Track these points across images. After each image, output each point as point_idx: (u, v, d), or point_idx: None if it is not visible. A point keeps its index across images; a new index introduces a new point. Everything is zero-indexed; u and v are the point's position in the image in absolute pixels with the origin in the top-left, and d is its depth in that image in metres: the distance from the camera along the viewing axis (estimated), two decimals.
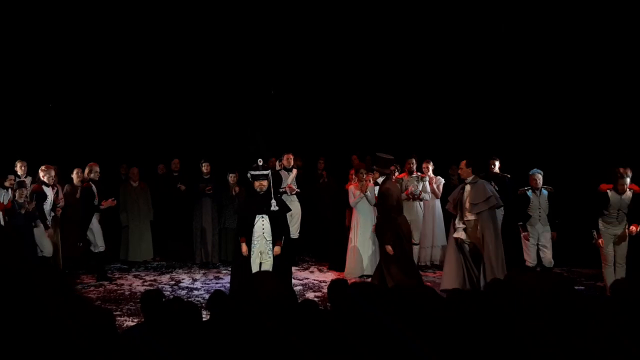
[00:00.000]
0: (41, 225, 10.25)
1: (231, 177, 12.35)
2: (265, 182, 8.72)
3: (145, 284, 10.76)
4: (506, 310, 4.07)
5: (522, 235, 9.89)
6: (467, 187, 9.29)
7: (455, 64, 14.37)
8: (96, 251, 10.99)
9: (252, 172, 8.71)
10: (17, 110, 13.96)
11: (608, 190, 9.40)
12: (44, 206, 10.39)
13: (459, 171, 9.57)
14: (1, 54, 13.40)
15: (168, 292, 10.04)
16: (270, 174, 8.85)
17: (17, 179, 10.53)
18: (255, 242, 8.66)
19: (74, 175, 11.29)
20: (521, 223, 9.89)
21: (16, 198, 9.97)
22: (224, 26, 14.71)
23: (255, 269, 8.63)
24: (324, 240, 12.47)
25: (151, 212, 12.54)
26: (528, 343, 3.75)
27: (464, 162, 9.38)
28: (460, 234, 9.27)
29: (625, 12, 12.39)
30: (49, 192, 10.52)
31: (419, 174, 11.58)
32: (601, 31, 12.62)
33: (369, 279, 10.16)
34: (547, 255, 9.80)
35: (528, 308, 4.01)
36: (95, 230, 10.92)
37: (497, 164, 11.73)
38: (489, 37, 13.84)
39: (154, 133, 15.00)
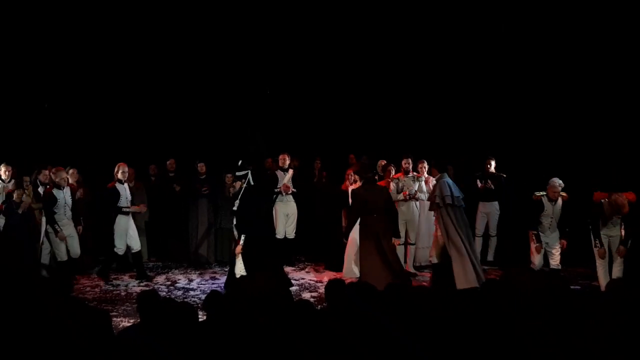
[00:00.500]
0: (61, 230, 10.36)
1: (228, 177, 12.34)
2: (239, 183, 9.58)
3: (142, 284, 10.75)
4: (503, 309, 4.08)
5: (534, 246, 9.90)
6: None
7: (454, 63, 14.40)
8: (116, 251, 10.95)
9: (237, 173, 9.07)
10: (10, 111, 13.94)
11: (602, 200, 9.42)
12: (55, 209, 10.38)
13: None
14: None
15: (164, 293, 10.03)
16: (247, 174, 9.20)
17: (2, 184, 10.60)
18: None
19: (41, 176, 11.16)
20: (535, 232, 9.89)
21: (14, 198, 9.99)
22: (223, 26, 14.69)
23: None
24: (320, 240, 12.46)
25: (147, 213, 12.50)
26: (525, 341, 3.76)
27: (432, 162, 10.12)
28: None
29: (625, 12, 12.42)
30: (60, 195, 10.46)
31: (414, 173, 11.58)
32: (601, 31, 12.65)
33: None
34: (555, 259, 9.86)
35: (525, 307, 4.02)
36: (119, 231, 10.85)
37: (493, 163, 11.83)
38: (489, 37, 13.84)
39: (152, 133, 14.98)
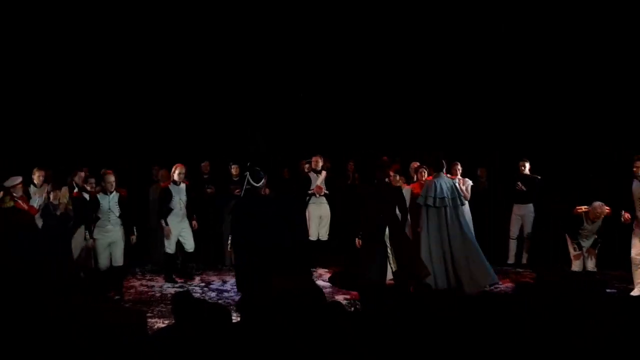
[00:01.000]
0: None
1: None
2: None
3: (176, 285, 10.82)
4: (536, 311, 4.06)
5: (573, 253, 9.85)
6: None
7: (486, 64, 14.32)
8: (166, 251, 11.10)
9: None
10: (46, 113, 14.13)
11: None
12: (99, 214, 10.03)
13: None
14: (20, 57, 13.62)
15: (198, 294, 10.09)
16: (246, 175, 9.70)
17: (35, 188, 10.59)
18: None
19: (76, 178, 11.02)
20: (576, 242, 9.83)
21: (51, 200, 10.09)
22: (224, 26, 14.74)
23: None
24: (353, 242, 12.43)
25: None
26: (557, 344, 3.73)
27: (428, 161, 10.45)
28: None
29: (625, 12, 12.34)
30: (105, 200, 10.04)
31: (448, 175, 11.54)
32: (601, 31, 12.58)
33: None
34: (592, 261, 9.80)
35: (558, 310, 3.99)
36: (176, 232, 10.99)
37: (527, 165, 11.75)
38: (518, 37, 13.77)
39: (183, 135, 15.06)
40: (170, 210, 10.90)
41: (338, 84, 15.41)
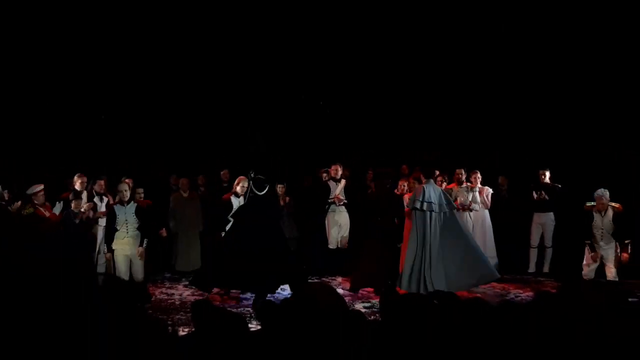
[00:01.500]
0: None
1: (279, 188, 12.37)
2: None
3: (196, 293, 10.80)
4: (558, 322, 4.02)
5: (589, 255, 9.88)
6: None
7: (509, 73, 14.30)
8: None
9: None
10: (69, 122, 14.25)
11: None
12: (116, 226, 9.57)
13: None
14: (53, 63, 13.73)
15: (218, 302, 10.09)
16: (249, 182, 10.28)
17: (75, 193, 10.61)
18: None
19: (96, 186, 11.16)
20: (588, 242, 9.86)
21: (72, 208, 10.16)
22: (225, 27, 14.79)
23: None
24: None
25: (201, 222, 12.57)
26: (577, 353, 3.70)
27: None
28: None
29: (625, 12, 12.31)
30: (121, 211, 9.61)
31: (468, 184, 11.51)
32: (602, 30, 12.55)
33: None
34: (612, 271, 9.82)
35: (582, 320, 3.95)
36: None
37: (548, 174, 11.73)
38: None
39: (200, 144, 15.12)
40: (229, 222, 10.54)
41: (338, 84, 15.41)
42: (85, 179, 10.96)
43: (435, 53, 14.60)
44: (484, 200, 11.59)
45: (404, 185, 11.26)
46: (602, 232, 9.77)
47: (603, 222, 9.75)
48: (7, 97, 13.68)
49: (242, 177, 10.74)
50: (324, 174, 12.41)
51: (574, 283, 5.02)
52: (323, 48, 14.85)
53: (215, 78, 15.20)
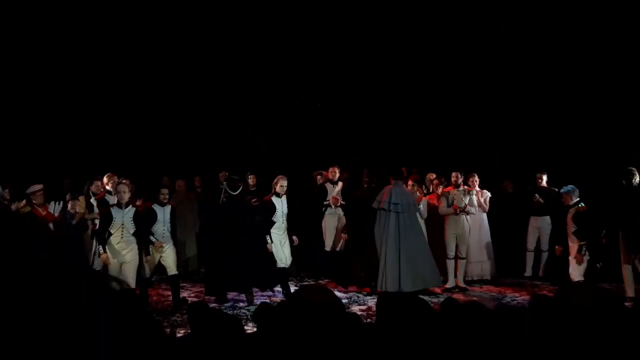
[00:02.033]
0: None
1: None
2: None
3: (192, 295, 10.80)
4: (553, 326, 4.02)
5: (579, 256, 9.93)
6: None
7: (509, 76, 14.33)
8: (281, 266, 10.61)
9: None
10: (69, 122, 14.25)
11: None
12: (111, 229, 9.22)
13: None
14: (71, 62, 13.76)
15: (214, 304, 10.08)
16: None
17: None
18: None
19: (93, 187, 11.03)
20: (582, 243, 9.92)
21: (68, 209, 10.16)
22: (225, 27, 14.79)
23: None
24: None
25: (197, 224, 12.53)
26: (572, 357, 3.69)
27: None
28: None
29: (625, 12, 12.35)
30: (119, 214, 9.28)
31: (465, 187, 11.51)
32: (602, 31, 12.58)
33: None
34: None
35: (577, 324, 3.95)
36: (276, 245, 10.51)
37: (545, 178, 11.74)
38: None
39: (198, 145, 15.11)
40: (273, 223, 10.47)
41: (338, 85, 15.41)
42: (115, 179, 10.70)
43: (435, 53, 14.62)
44: (481, 203, 11.59)
45: None
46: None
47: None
48: (7, 97, 13.68)
49: (280, 176, 10.78)
50: (318, 177, 12.39)
51: (570, 287, 5.01)
52: (322, 48, 14.85)
53: (215, 78, 15.20)
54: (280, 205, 10.61)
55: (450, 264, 11.14)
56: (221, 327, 3.99)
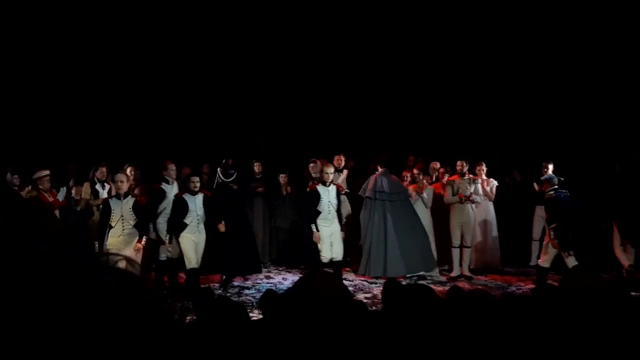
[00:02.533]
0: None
1: (282, 178, 12.41)
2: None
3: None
4: (557, 315, 4.02)
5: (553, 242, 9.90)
6: None
7: (513, 67, 14.30)
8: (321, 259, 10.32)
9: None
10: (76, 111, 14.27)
11: None
12: (111, 222, 8.95)
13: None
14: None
15: (219, 291, 10.11)
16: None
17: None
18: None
19: (97, 173, 10.81)
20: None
21: (73, 195, 10.17)
22: (225, 27, 14.76)
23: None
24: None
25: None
26: (580, 350, 3.69)
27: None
28: None
29: (625, 12, 12.32)
30: (118, 205, 8.98)
31: (470, 176, 11.49)
32: (602, 30, 12.55)
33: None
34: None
35: (580, 313, 3.94)
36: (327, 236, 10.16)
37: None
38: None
39: (204, 133, 15.11)
40: (318, 213, 10.07)
41: (338, 84, 15.40)
42: (134, 169, 10.66)
43: (435, 53, 14.61)
44: (487, 192, 11.57)
45: (407, 177, 11.31)
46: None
47: None
48: (8, 95, 13.71)
49: (324, 161, 11.10)
50: (312, 165, 12.22)
51: (575, 276, 5.01)
52: (322, 48, 14.84)
53: (215, 78, 15.19)
54: (327, 194, 10.14)
55: (456, 252, 11.15)
56: (226, 314, 4.00)
